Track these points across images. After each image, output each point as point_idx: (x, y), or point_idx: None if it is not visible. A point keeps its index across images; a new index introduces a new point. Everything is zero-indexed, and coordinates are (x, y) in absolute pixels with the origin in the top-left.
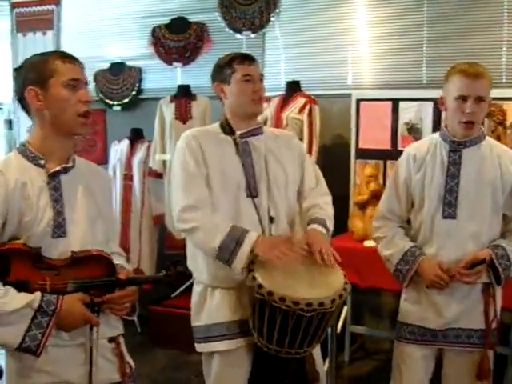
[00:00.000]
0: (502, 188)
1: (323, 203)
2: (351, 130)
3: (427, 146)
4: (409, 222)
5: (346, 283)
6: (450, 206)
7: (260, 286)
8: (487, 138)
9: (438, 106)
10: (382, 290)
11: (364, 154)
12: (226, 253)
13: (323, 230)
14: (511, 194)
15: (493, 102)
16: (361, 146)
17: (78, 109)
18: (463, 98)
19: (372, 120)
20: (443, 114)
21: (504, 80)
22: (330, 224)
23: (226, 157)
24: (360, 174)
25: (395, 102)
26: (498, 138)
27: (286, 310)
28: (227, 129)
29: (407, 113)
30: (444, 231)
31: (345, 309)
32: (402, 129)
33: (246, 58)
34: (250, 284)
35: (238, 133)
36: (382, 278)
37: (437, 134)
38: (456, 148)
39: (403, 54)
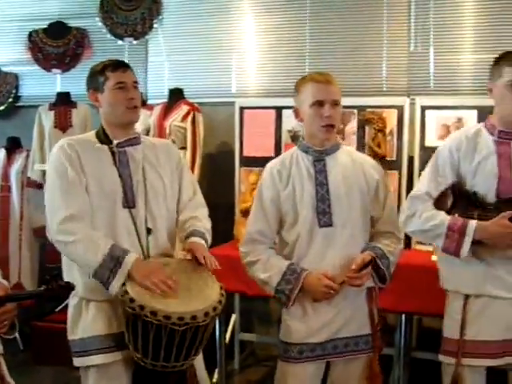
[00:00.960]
0: (368, 191)
1: (200, 215)
2: (235, 138)
3: (289, 160)
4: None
5: (222, 295)
6: (324, 214)
7: (131, 300)
8: (342, 145)
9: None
10: (269, 297)
11: (248, 162)
12: (104, 273)
13: (203, 243)
14: (376, 196)
15: (373, 109)
16: (245, 153)
17: None
18: (320, 103)
19: (256, 128)
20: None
21: (384, 88)
22: (209, 237)
23: (103, 166)
24: (245, 181)
25: (278, 110)
26: (378, 145)
27: (158, 325)
28: (103, 138)
29: (290, 121)
30: (322, 240)
31: (233, 317)
32: (285, 136)
33: (119, 66)
34: (122, 298)
35: (114, 142)
36: None
37: (294, 148)
38: (319, 157)
39: (287, 63)
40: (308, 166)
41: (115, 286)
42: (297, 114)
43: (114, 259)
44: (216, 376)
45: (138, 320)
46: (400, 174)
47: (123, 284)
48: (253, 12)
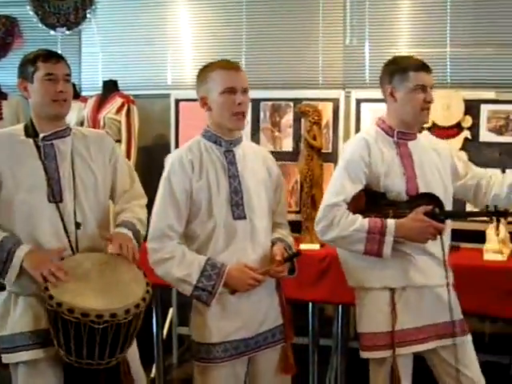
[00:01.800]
0: (271, 185)
1: (135, 206)
2: (171, 131)
3: (198, 150)
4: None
5: (147, 292)
6: (237, 206)
7: (51, 297)
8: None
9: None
10: None
11: None
12: None
13: (128, 232)
14: (276, 190)
15: (308, 102)
16: (181, 146)
17: None
18: (231, 90)
19: (192, 120)
20: (207, 116)
21: (320, 81)
22: (141, 227)
23: (24, 160)
24: None
25: None
26: (314, 138)
27: (77, 322)
28: (31, 131)
29: None
30: (240, 233)
31: (171, 311)
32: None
33: (51, 56)
34: (43, 295)
35: (41, 135)
36: None
37: (198, 137)
38: (229, 148)
39: (223, 55)
40: (220, 156)
41: (11, 279)
42: (204, 102)
43: (5, 251)
44: (154, 371)
45: (57, 317)
46: (336, 166)
47: (45, 280)
48: (189, 2)
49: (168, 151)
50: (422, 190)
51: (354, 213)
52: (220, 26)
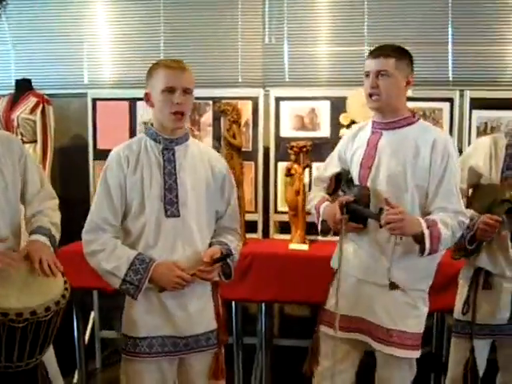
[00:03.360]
0: (215, 186)
1: (48, 209)
2: (88, 131)
3: (137, 146)
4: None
5: (66, 289)
6: (171, 204)
7: None
8: (191, 137)
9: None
10: None
11: (102, 155)
12: None
13: (45, 240)
14: (221, 191)
15: (228, 101)
16: (99, 147)
17: None
18: (170, 90)
19: (110, 120)
20: (151, 113)
21: (239, 80)
22: (56, 231)
23: None
24: (99, 175)
25: (132, 102)
26: (234, 136)
27: None
28: None
29: (145, 112)
30: (171, 231)
31: (92, 314)
32: (139, 128)
33: None
34: None
35: None
36: None
37: (141, 134)
38: (169, 146)
39: (141, 53)
40: (157, 154)
41: None
42: (147, 98)
43: None
44: (76, 377)
45: None
46: (256, 164)
47: None
48: None
49: (86, 151)
50: (372, 179)
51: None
52: (138, 23)
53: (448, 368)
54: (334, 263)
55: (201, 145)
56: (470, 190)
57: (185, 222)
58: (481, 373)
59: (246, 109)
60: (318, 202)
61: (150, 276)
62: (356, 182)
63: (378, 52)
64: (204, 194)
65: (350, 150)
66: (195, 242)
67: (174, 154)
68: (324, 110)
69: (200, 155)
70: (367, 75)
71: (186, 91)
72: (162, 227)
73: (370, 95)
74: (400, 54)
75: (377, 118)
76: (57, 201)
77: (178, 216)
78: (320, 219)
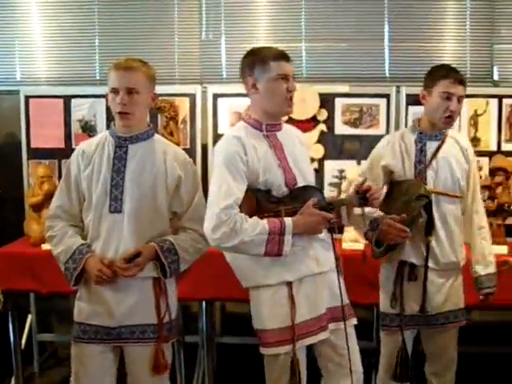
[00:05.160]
0: (167, 186)
1: None
2: (21, 129)
3: (97, 143)
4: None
5: None
6: (116, 200)
7: None
8: (157, 136)
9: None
10: (68, 294)
11: (37, 154)
12: None
13: None
14: (177, 192)
15: (165, 97)
16: (33, 145)
17: None
18: (114, 91)
19: (43, 118)
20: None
21: (176, 76)
22: None
23: None
24: (33, 174)
25: (67, 99)
26: (171, 134)
27: None
28: None
29: (80, 110)
30: (111, 225)
31: (29, 317)
32: (75, 126)
33: None
34: None
35: None
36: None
37: (108, 132)
38: (122, 143)
39: (76, 50)
40: (110, 150)
41: None
42: (107, 99)
43: None
44: (13, 382)
45: None
46: (194, 161)
47: None
48: None
49: (19, 150)
50: (299, 179)
51: (248, 215)
52: (71, 18)
53: (379, 362)
54: None
55: (167, 145)
56: (385, 188)
57: (124, 218)
58: None
59: (184, 106)
60: (268, 223)
61: (83, 267)
62: (282, 187)
63: (287, 56)
64: (151, 193)
65: (253, 162)
66: (132, 239)
67: (126, 152)
68: None
69: (159, 155)
70: (283, 78)
71: (130, 91)
72: (103, 221)
73: (287, 98)
74: None
75: (270, 120)
76: None
77: (120, 212)
78: (287, 238)
